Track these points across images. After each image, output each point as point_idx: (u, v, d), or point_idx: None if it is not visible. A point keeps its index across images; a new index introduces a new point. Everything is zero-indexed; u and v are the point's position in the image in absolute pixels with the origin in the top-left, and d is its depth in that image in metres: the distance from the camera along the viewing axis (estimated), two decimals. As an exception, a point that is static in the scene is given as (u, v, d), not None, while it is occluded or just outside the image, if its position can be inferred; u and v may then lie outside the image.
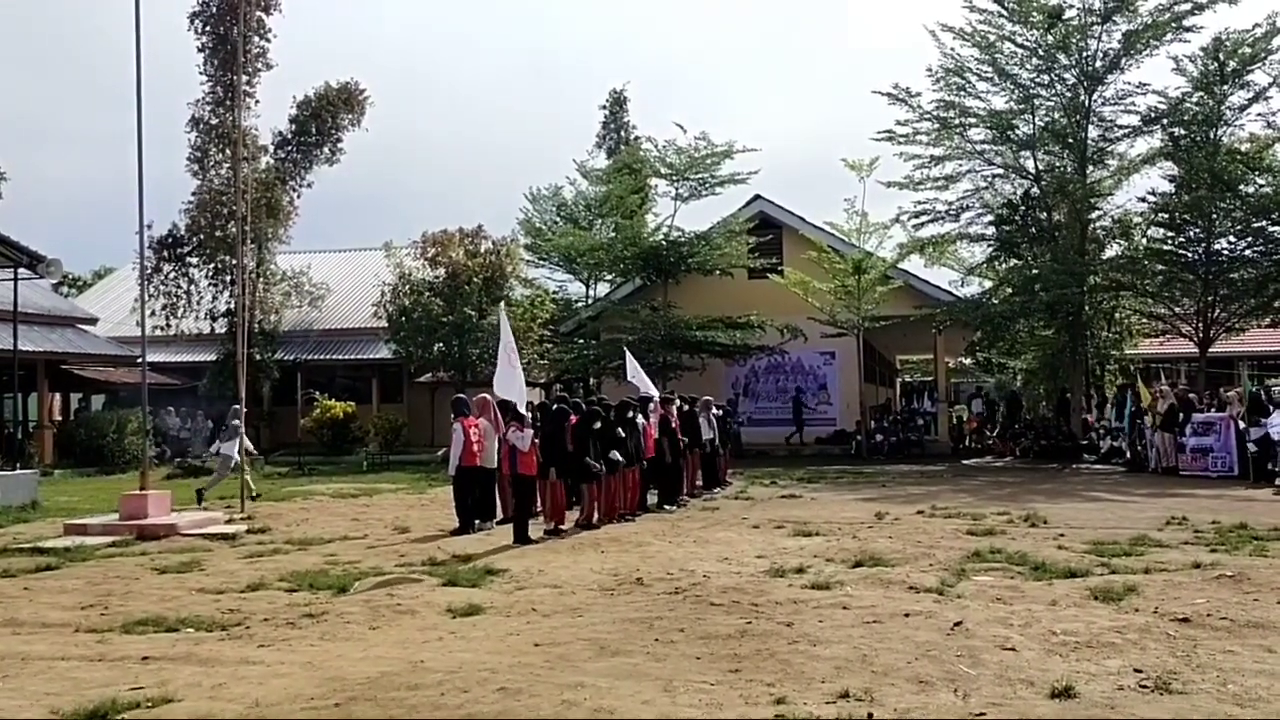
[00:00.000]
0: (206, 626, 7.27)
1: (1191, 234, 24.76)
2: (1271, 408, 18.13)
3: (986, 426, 28.43)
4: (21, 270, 18.35)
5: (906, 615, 7.10)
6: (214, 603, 8.15)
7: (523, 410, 12.26)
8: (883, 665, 5.86)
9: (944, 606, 7.43)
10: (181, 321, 30.96)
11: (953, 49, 25.46)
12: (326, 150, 32.00)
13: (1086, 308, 24.99)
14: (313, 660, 6.24)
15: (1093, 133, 25.22)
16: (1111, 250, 26.45)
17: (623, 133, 41.58)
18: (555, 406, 12.64)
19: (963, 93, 25.85)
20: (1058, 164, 25.97)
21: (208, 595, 8.50)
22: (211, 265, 30.97)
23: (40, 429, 26.84)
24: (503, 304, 17.97)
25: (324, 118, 31.65)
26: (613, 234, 28.94)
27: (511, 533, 11.62)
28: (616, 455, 12.91)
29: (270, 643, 6.77)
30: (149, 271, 28.65)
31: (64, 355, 27.84)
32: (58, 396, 30.52)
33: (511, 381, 12.55)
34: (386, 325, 30.45)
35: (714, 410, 18.02)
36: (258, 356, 28.46)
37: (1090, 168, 25.27)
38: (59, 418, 29.85)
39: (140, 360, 16.95)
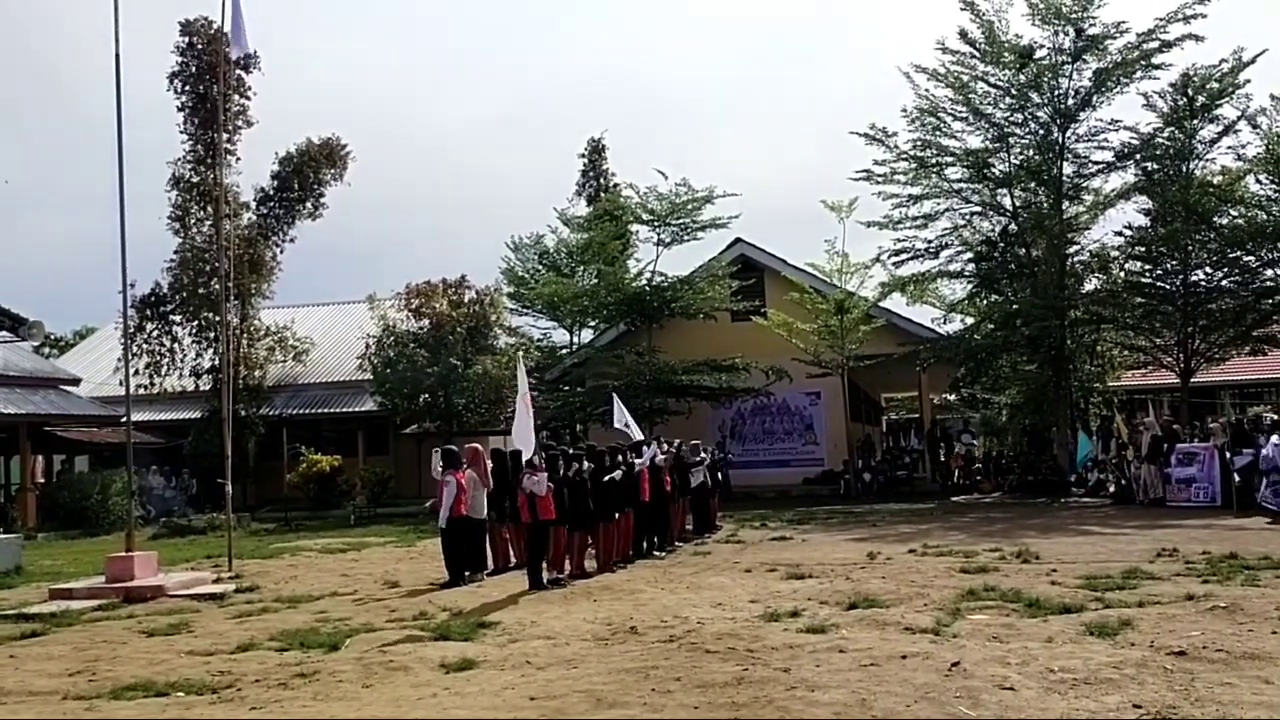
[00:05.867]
0: (197, 690, 7.16)
1: (1169, 266, 25.01)
2: (1260, 436, 18.24)
3: (975, 463, 28.45)
4: (3, 333, 18.24)
5: (904, 657, 7.07)
6: (204, 665, 8.03)
7: (530, 457, 12.18)
8: (882, 709, 5.82)
9: (941, 647, 7.40)
10: (165, 379, 30.89)
11: (927, 90, 25.83)
12: (309, 205, 32.13)
13: (1068, 341, 25.18)
14: (306, 722, 6.16)
15: (1067, 169, 25.55)
16: (1091, 284, 26.69)
17: (602, 180, 41.79)
18: (549, 453, 12.61)
19: (938, 132, 26.16)
20: (1034, 200, 26.26)
21: (197, 657, 8.38)
22: (195, 322, 30.95)
23: (23, 492, 26.53)
24: (520, 354, 18.00)
25: (306, 173, 31.80)
26: (595, 280, 29.05)
27: (499, 581, 11.53)
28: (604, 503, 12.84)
29: (262, 704, 6.67)
30: (132, 330, 28.58)
31: (46, 417, 27.60)
32: (40, 458, 30.23)
33: (526, 431, 12.51)
34: (371, 378, 30.42)
35: (703, 454, 18.00)
36: (242, 412, 28.32)
37: (1066, 203, 25.57)
38: (41, 480, 29.54)
39: (124, 420, 16.83)
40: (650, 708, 6.10)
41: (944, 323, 28.17)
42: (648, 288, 28.23)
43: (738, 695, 6.27)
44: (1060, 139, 25.19)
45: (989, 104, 25.67)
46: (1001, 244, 26.56)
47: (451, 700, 6.54)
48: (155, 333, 31.05)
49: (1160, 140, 24.70)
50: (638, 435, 16.25)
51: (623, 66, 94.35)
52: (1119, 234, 25.71)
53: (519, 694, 6.60)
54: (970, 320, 27.90)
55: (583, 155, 42.94)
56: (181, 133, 30.64)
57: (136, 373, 28.01)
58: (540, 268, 31.19)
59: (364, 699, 6.71)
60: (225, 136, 28.84)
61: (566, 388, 28.72)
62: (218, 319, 27.93)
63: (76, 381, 30.90)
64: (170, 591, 12.38)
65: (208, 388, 30.43)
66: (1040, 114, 25.32)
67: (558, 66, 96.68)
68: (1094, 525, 16.65)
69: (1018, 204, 26.24)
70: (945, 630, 8.02)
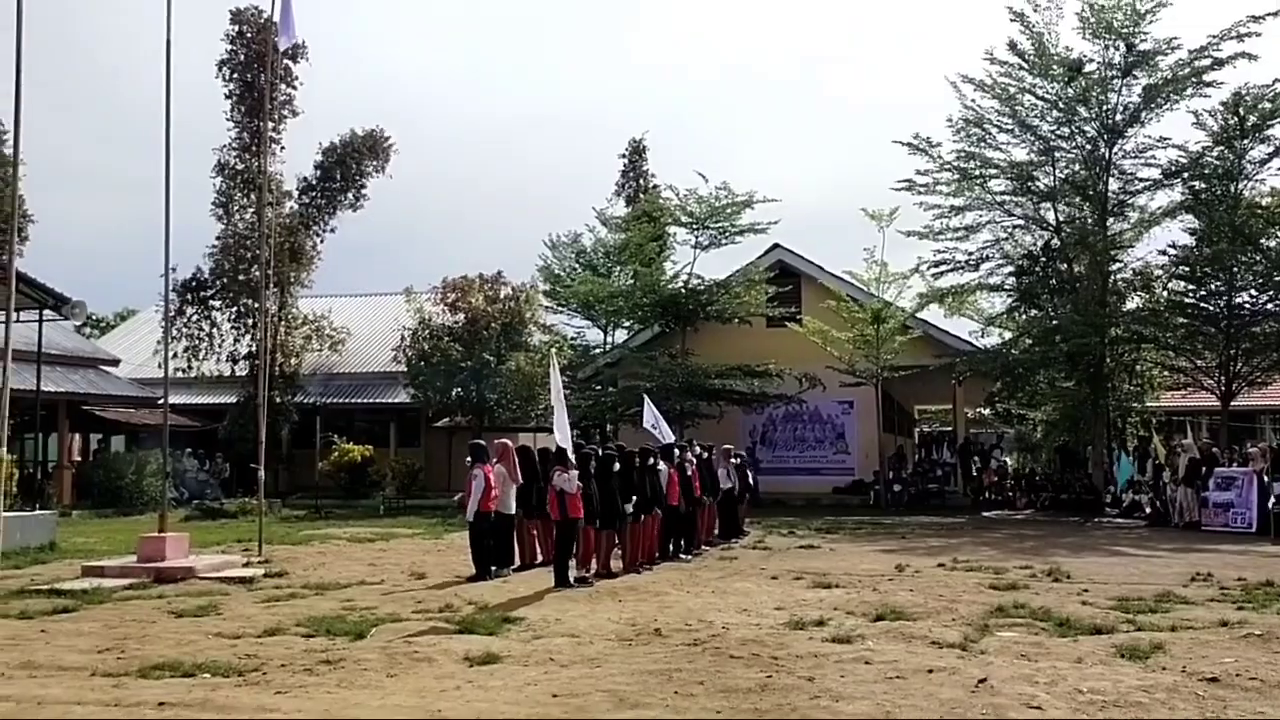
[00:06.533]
0: (223, 672, 7.22)
1: (1213, 287, 24.66)
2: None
3: (1008, 479, 28.16)
4: (46, 312, 18.50)
5: (930, 671, 7.00)
6: (231, 647, 8.10)
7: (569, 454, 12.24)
8: (906, 722, 5.77)
9: (968, 662, 7.32)
10: (203, 364, 31.19)
11: (973, 100, 25.64)
12: (350, 196, 32.36)
13: (1107, 359, 24.88)
14: (330, 708, 6.19)
15: (1113, 185, 25.26)
16: (1132, 302, 26.37)
17: (642, 181, 41.81)
18: (580, 451, 12.63)
19: (983, 144, 25.97)
20: (1078, 216, 26.00)
21: (224, 640, 8.46)
22: (234, 309, 31.27)
23: (60, 469, 26.95)
24: (554, 353, 18.07)
25: (349, 164, 32.04)
26: (631, 281, 29.05)
27: (526, 577, 11.55)
28: (627, 508, 12.82)
29: (287, 689, 6.71)
30: (172, 314, 28.93)
31: (85, 396, 28.05)
32: (77, 437, 30.70)
33: (562, 427, 12.60)
34: (405, 370, 30.59)
35: (733, 459, 17.96)
36: (278, 399, 28.57)
37: (1111, 220, 25.27)
38: (78, 458, 29.98)
39: (162, 402, 17.02)
40: (673, 710, 6.08)
41: (982, 336, 28.02)
42: (683, 290, 28.18)
43: (761, 702, 6.24)
44: (1107, 154, 24.92)
45: (1036, 116, 25.44)
46: (1043, 258, 26.30)
47: (474, 693, 6.55)
48: (195, 317, 31.41)
49: (1209, 159, 24.36)
50: (668, 437, 16.24)
51: (666, 67, 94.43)
52: (1163, 253, 25.45)
53: (541, 690, 6.60)
54: (1008, 334, 27.69)
55: (623, 155, 43.02)
56: (227, 120, 31.03)
57: (175, 356, 28.34)
58: (577, 266, 31.26)
59: (388, 688, 6.74)
60: (271, 125, 29.14)
61: (598, 387, 28.72)
62: (257, 306, 28.24)
63: (116, 362, 31.40)
64: (200, 573, 12.52)
65: (244, 373, 30.75)
66: (1088, 128, 25.06)
67: (601, 65, 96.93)
68: (1127, 546, 16.43)
69: (1061, 219, 25.99)
70: (973, 646, 7.94)
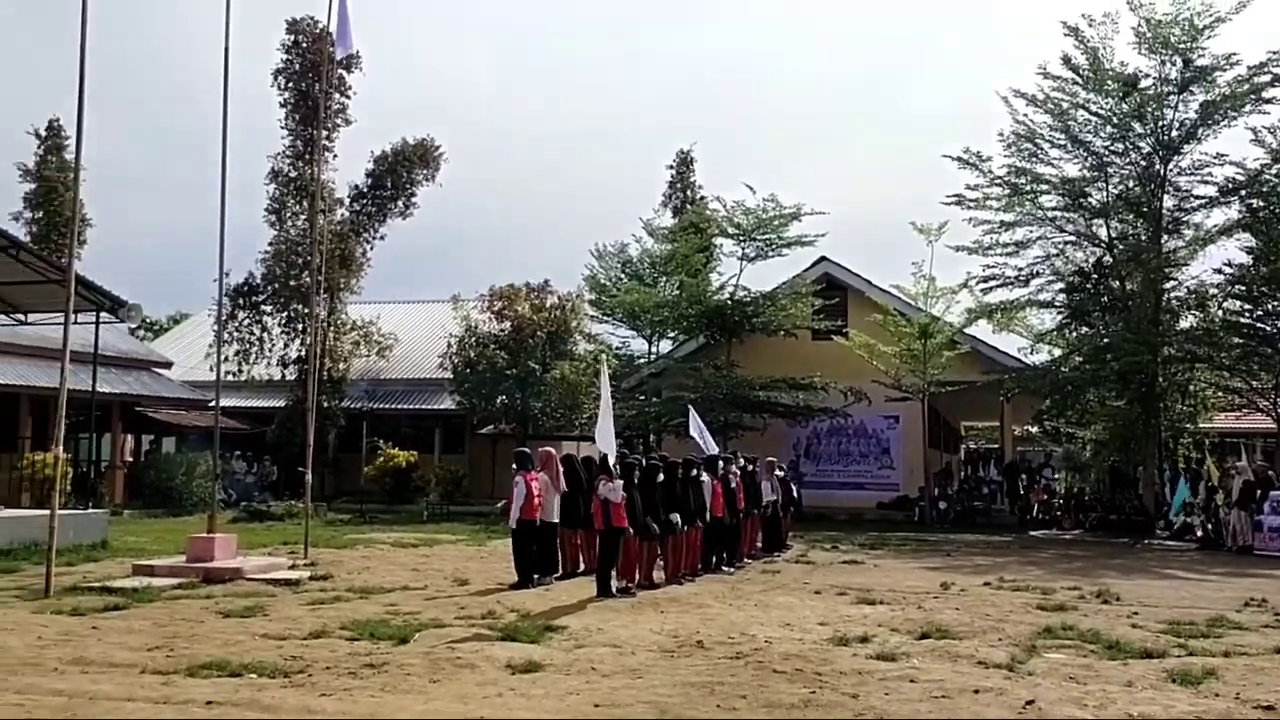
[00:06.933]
0: (269, 673, 7.30)
1: (1270, 307, 24.16)
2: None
3: (1056, 498, 27.76)
4: (102, 314, 18.84)
5: (976, 691, 6.91)
6: (277, 649, 8.19)
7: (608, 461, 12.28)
8: (952, 742, 5.70)
9: (1015, 684, 7.21)
10: (253, 368, 31.63)
11: (1025, 115, 25.40)
12: (400, 204, 32.73)
13: (1160, 379, 24.48)
14: (373, 712, 6.23)
15: (1168, 202, 24.89)
16: (1186, 321, 25.93)
17: (689, 192, 41.85)
18: (625, 461, 12.63)
19: (1034, 159, 25.69)
20: (1131, 232, 25.64)
21: (271, 640, 8.56)
22: (284, 313, 31.69)
23: (112, 469, 27.44)
24: (604, 359, 18.18)
25: (399, 172, 32.42)
26: (677, 292, 29.06)
27: (568, 585, 11.56)
28: (675, 517, 12.82)
29: (332, 692, 6.78)
30: (224, 318, 29.35)
31: (139, 397, 28.56)
32: (130, 437, 31.23)
33: (607, 435, 12.64)
34: (451, 376, 30.82)
35: (777, 472, 17.87)
36: (325, 404, 28.89)
37: (1165, 237, 24.89)
38: (130, 458, 30.50)
39: (212, 405, 17.27)
40: (715, 723, 6.05)
41: (1031, 353, 27.69)
42: (729, 301, 28.13)
43: (804, 716, 6.19)
44: (1162, 171, 24.56)
45: (1089, 132, 25.15)
46: (1095, 275, 25.96)
47: (517, 701, 6.57)
48: (246, 321, 31.87)
49: (1267, 177, 23.92)
50: (711, 448, 16.21)
51: (715, 78, 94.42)
52: (1219, 271, 24.98)
53: (583, 700, 6.60)
54: (1058, 352, 27.34)
55: (670, 166, 43.11)
56: (282, 128, 31.53)
57: (226, 360, 28.78)
58: (623, 276, 31.36)
59: (431, 694, 6.77)
60: (324, 133, 29.56)
61: (642, 397, 28.73)
62: (307, 311, 28.61)
63: (168, 365, 31.96)
64: (247, 575, 12.67)
65: (293, 378, 31.15)
66: (1142, 144, 24.71)
67: (649, 77, 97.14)
68: (1178, 569, 16.12)
69: (1114, 235, 25.65)
70: (1020, 667, 7.82)
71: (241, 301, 31.73)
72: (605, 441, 12.68)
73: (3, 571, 12.79)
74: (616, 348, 31.95)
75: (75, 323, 12.76)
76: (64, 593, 11.00)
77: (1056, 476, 30.20)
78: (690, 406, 18.67)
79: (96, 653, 7.96)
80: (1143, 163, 24.85)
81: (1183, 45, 23.69)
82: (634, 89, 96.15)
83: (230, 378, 29.62)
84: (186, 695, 6.62)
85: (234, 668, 7.42)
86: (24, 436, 24.84)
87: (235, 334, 31.53)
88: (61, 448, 12.29)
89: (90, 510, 17.93)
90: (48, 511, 11.75)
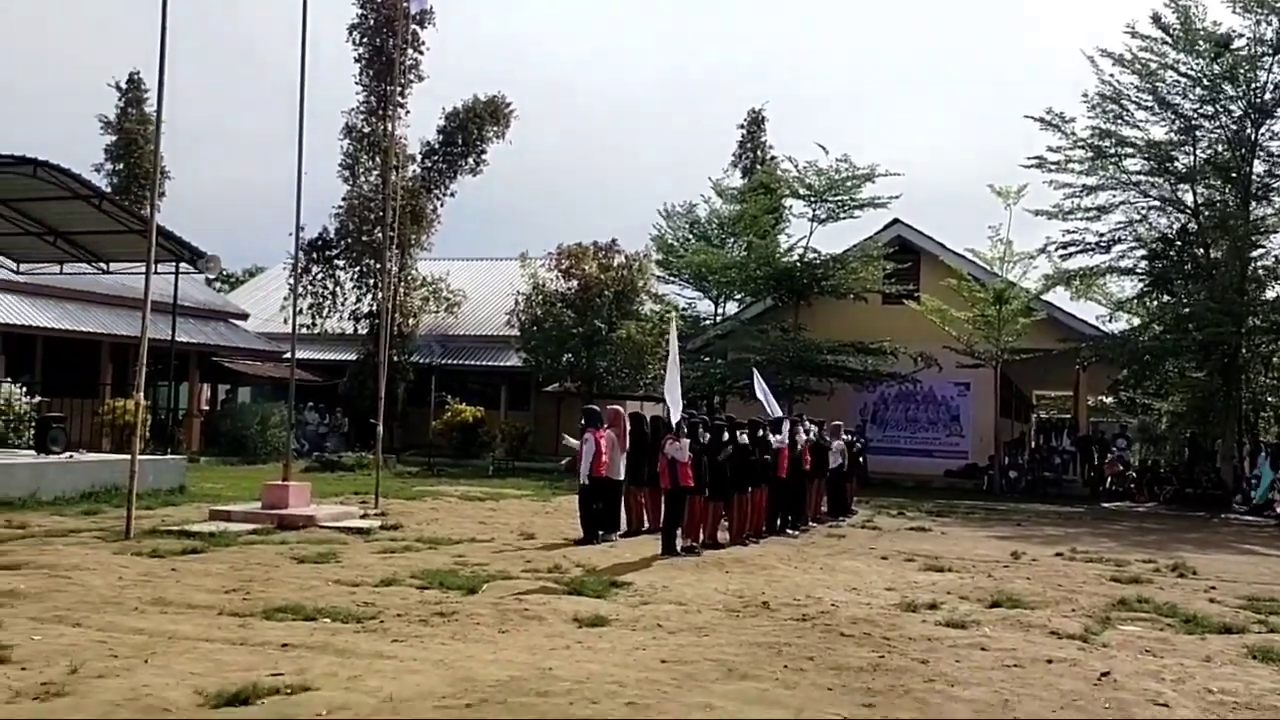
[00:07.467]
0: (342, 618, 7.43)
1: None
2: None
3: (1130, 470, 27.17)
4: (182, 265, 19.20)
5: (1049, 661, 6.78)
6: (350, 595, 8.33)
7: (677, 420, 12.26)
8: (1025, 712, 5.60)
9: (1089, 655, 7.08)
10: (326, 321, 32.10)
11: (1111, 75, 24.68)
12: (471, 161, 32.78)
13: (1243, 350, 23.78)
14: (444, 659, 6.30)
15: (1258, 168, 24.06)
16: (1273, 291, 25.11)
17: (759, 152, 41.33)
18: (691, 421, 12.59)
19: (1119, 121, 24.96)
20: (1219, 199, 24.85)
21: (343, 587, 8.70)
22: (357, 268, 32.03)
23: (189, 417, 28.12)
24: (675, 314, 18.15)
25: (470, 130, 32.43)
26: (745, 253, 28.80)
27: (632, 543, 11.60)
28: (727, 449, 12.63)
29: (403, 638, 6.88)
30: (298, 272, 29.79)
31: (216, 348, 29.20)
32: (206, 387, 31.96)
33: (674, 392, 12.65)
34: (518, 334, 30.98)
35: (843, 436, 17.71)
36: (395, 358, 29.24)
37: (1254, 204, 24.11)
38: (206, 407, 31.23)
39: (287, 356, 17.54)
40: (782, 683, 6.02)
41: (1109, 321, 26.98)
42: (798, 264, 27.79)
43: (873, 682, 6.13)
44: (1253, 135, 23.75)
45: (1177, 94, 24.35)
46: (1179, 242, 25.24)
47: (584, 654, 6.60)
48: (320, 276, 32.28)
49: (1365, 142, 22.96)
50: (776, 411, 16.11)
51: (789, 37, 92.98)
52: (1310, 240, 24.10)
53: (650, 655, 6.61)
54: (1138, 320, 26.65)
55: (741, 126, 42.57)
56: (356, 84, 31.66)
57: (300, 313, 29.22)
58: (690, 237, 31.16)
59: (500, 643, 6.84)
60: (397, 89, 29.67)
61: (708, 358, 28.60)
62: (379, 266, 28.90)
63: (245, 316, 32.58)
64: (320, 522, 12.92)
65: (364, 332, 31.55)
66: (1233, 107, 23.88)
67: (723, 35, 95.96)
68: (1258, 545, 15.70)
69: (1200, 201, 24.88)
70: (1094, 638, 7.68)
71: (315, 256, 32.11)
72: (672, 399, 12.67)
73: (85, 513, 13.20)
74: (683, 309, 31.80)
75: (155, 273, 13.00)
76: (143, 535, 11.31)
77: (1131, 449, 29.52)
78: (755, 369, 18.56)
79: (175, 594, 8.16)
80: (1233, 126, 24.01)
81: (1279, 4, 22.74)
82: (706, 47, 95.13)
83: (304, 330, 30.08)
84: (262, 637, 6.76)
85: (308, 612, 7.56)
86: (105, 383, 25.53)
87: (309, 288, 31.96)
88: (142, 394, 12.58)
89: (169, 456, 18.38)
90: (128, 456, 12.05)
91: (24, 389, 19.37)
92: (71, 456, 16.03)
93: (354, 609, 7.72)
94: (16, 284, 22.87)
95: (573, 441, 13.79)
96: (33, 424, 17.70)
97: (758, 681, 6.04)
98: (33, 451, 16.19)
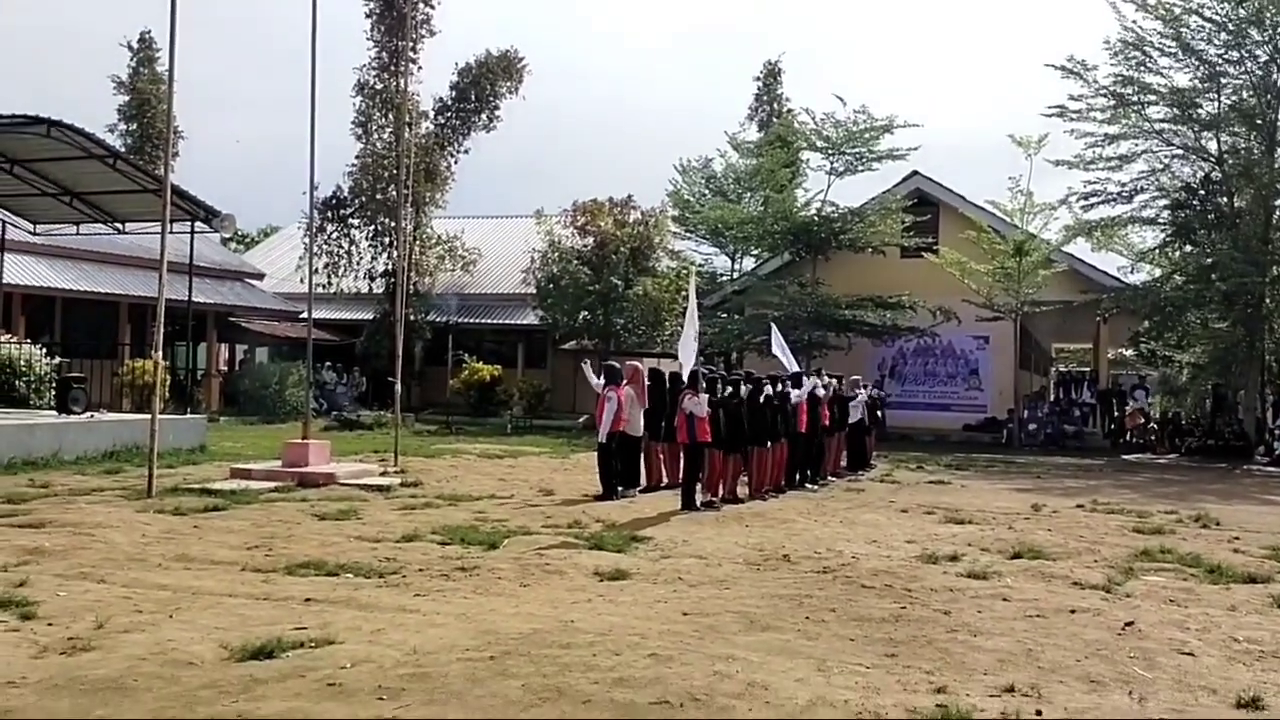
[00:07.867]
0: (365, 573, 7.46)
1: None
2: None
3: (1150, 422, 27.02)
4: (196, 225, 19.16)
5: (1072, 611, 6.76)
6: (371, 550, 8.37)
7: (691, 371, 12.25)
8: (1049, 661, 5.58)
9: (1112, 605, 7.05)
10: (341, 280, 32.11)
11: (1134, 21, 24.20)
12: (484, 117, 32.59)
13: (1267, 300, 23.47)
14: (466, 612, 6.32)
15: (1284, 114, 23.59)
16: (1298, 240, 24.73)
17: (776, 105, 40.88)
18: (708, 376, 12.56)
19: (1142, 68, 24.52)
20: (1243, 146, 24.44)
21: (365, 543, 8.74)
22: (371, 227, 32.00)
23: (208, 377, 28.25)
24: (694, 270, 18.04)
25: (483, 85, 32.22)
26: (762, 208, 28.56)
27: (651, 499, 11.61)
28: (729, 388, 12.61)
29: (426, 592, 6.90)
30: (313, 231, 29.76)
31: (233, 308, 29.27)
32: (224, 347, 32.07)
33: (689, 347, 12.62)
34: (534, 292, 30.91)
35: (862, 390, 17.66)
36: (411, 317, 29.25)
37: (1279, 151, 23.64)
38: (225, 367, 31.37)
39: (304, 316, 17.53)
40: (804, 635, 6.02)
41: (1131, 272, 26.67)
42: (816, 218, 27.53)
43: (895, 632, 6.12)
44: (1279, 81, 23.22)
45: (1202, 39, 23.88)
46: (1202, 191, 24.88)
47: (606, 607, 6.62)
48: (334, 235, 32.26)
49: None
50: (792, 366, 16.05)
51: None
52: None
53: (672, 608, 6.62)
54: (1160, 271, 26.34)
55: (757, 79, 42.09)
56: (367, 39, 31.45)
57: (316, 272, 29.23)
58: (706, 192, 30.90)
59: (522, 597, 6.86)
60: (409, 44, 29.40)
61: (725, 314, 28.50)
62: (394, 225, 28.82)
63: (261, 276, 32.63)
64: (340, 480, 12.97)
65: (381, 291, 31.55)
66: (1259, 53, 23.42)
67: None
68: (1281, 496, 15.62)
69: (1224, 149, 24.47)
70: (1117, 589, 7.64)
71: (330, 215, 32.07)
72: (686, 353, 12.64)
73: (107, 472, 13.30)
74: (699, 264, 31.63)
75: (171, 232, 12.97)
76: (165, 493, 11.38)
77: (1151, 400, 29.32)
78: (773, 324, 18.47)
79: (198, 550, 8.22)
80: (1259, 72, 23.57)
81: (1308, -55, 22.24)
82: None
83: (319, 290, 30.09)
84: (285, 592, 6.80)
85: (330, 568, 7.60)
86: (123, 343, 25.62)
87: (324, 247, 31.95)
88: (160, 354, 12.61)
89: (189, 415, 18.47)
90: (148, 416, 12.10)
91: (44, 350, 19.47)
92: (92, 416, 16.13)
93: (376, 564, 7.75)
94: (34, 245, 22.91)
95: (592, 376, 13.77)
96: (53, 385, 17.79)
97: (780, 633, 6.04)
98: (54, 412, 16.29)
